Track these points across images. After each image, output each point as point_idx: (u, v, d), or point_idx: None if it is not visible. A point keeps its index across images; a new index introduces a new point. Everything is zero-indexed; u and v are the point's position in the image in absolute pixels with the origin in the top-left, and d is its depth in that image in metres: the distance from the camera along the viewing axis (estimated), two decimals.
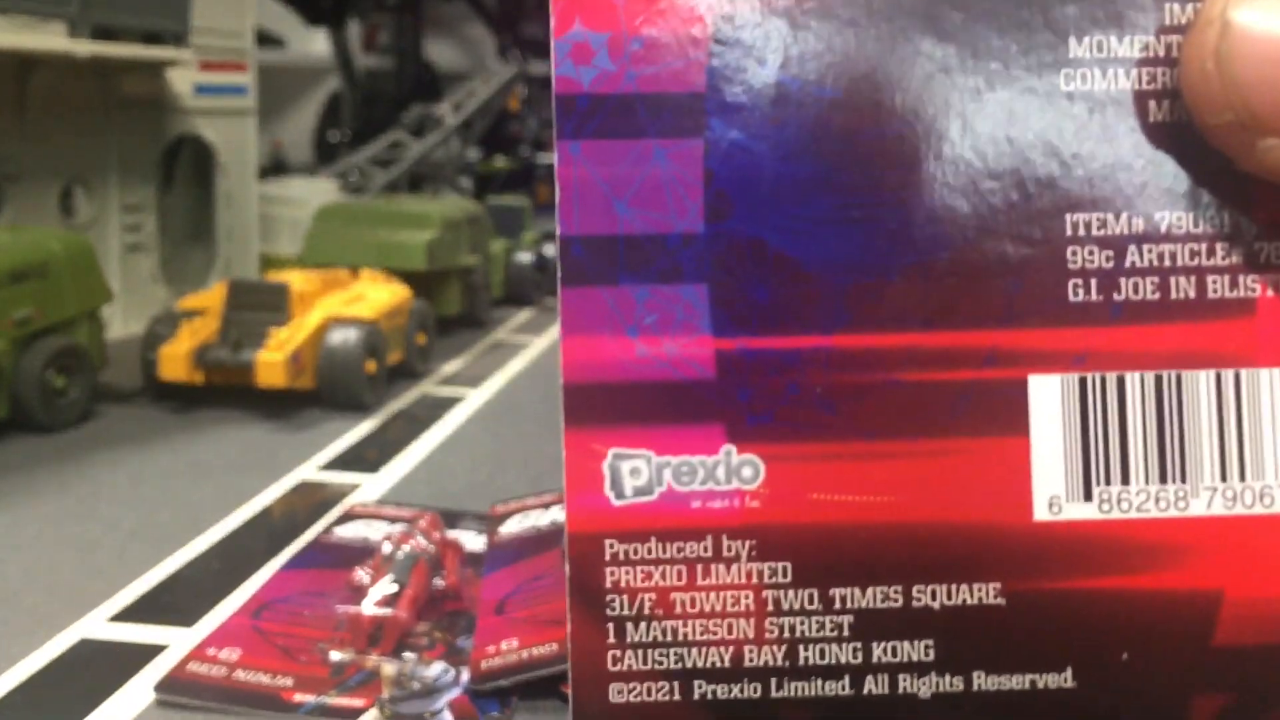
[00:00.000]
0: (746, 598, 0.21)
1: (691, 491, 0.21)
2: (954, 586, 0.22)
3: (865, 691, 0.22)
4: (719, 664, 0.22)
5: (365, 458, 0.85)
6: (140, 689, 0.49)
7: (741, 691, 0.22)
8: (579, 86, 0.21)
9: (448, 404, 1.01)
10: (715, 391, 0.21)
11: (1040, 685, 0.22)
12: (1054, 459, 0.22)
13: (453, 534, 0.65)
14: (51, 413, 0.89)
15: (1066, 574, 0.22)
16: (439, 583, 0.58)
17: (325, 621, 0.54)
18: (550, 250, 1.61)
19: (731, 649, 0.21)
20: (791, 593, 0.22)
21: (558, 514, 0.65)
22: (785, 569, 0.21)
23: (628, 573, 0.21)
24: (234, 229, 1.40)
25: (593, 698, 0.21)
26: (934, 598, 0.22)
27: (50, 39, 1.06)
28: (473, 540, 0.65)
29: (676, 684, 0.21)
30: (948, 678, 0.22)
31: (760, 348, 0.21)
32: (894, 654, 0.22)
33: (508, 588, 0.57)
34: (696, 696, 0.21)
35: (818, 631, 0.22)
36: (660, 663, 0.21)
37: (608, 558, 0.21)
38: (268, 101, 1.66)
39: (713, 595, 0.22)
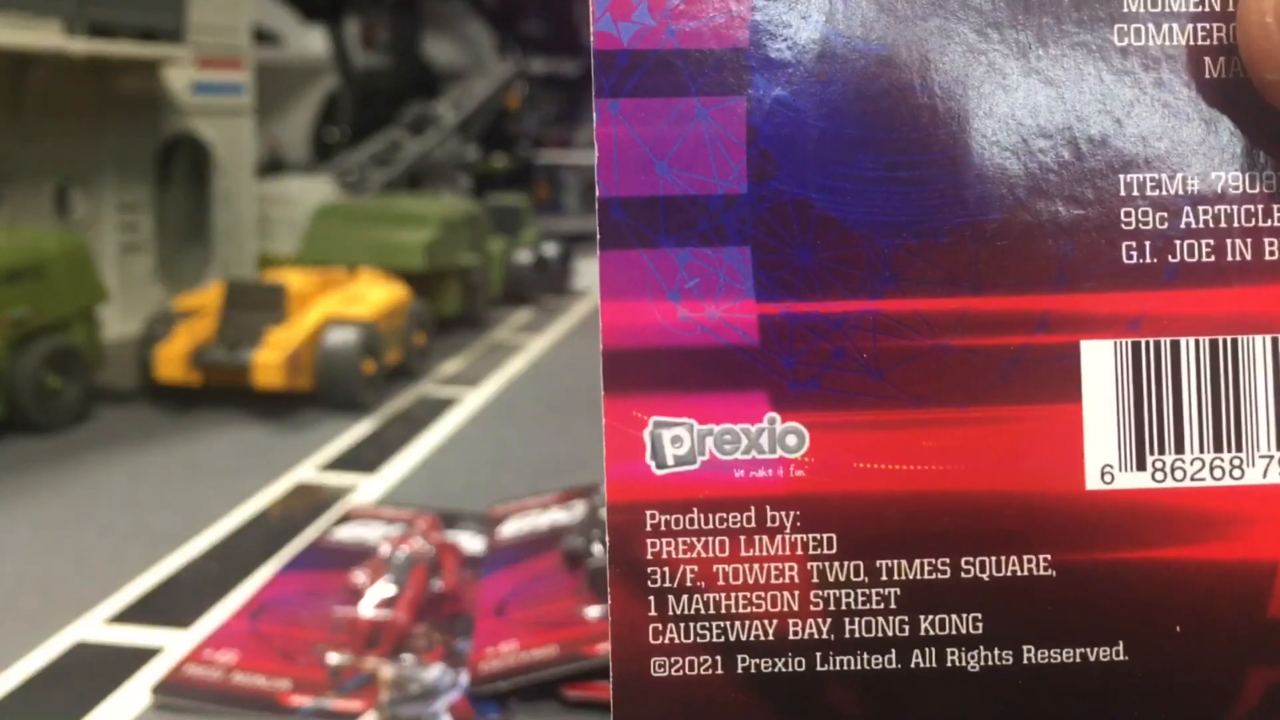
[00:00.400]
0: (791, 569, 0.21)
1: (734, 460, 0.21)
2: (1003, 558, 0.21)
3: (913, 665, 0.21)
4: (763, 637, 0.21)
5: (363, 459, 0.84)
6: (137, 692, 0.49)
7: (786, 665, 0.21)
8: (618, 42, 0.21)
9: (446, 404, 1.00)
10: (759, 357, 0.21)
11: (1091, 658, 0.21)
12: (1107, 427, 0.21)
13: (451, 535, 0.65)
14: (47, 413, 0.88)
15: (1119, 545, 0.21)
16: (437, 584, 0.58)
17: (323, 623, 0.54)
18: (550, 250, 1.61)
19: (776, 622, 0.21)
20: (837, 564, 0.21)
21: (557, 515, 0.65)
22: (830, 540, 0.21)
23: (669, 544, 0.21)
24: (231, 228, 1.40)
25: (634, 672, 0.21)
26: (983, 569, 0.21)
27: (46, 36, 1.06)
28: (471, 541, 0.65)
29: (719, 658, 0.21)
30: (997, 651, 0.21)
31: (805, 312, 0.21)
32: (942, 627, 0.21)
33: (507, 589, 0.56)
34: (740, 670, 0.21)
35: (864, 604, 0.21)
36: (703, 636, 0.21)
37: (649, 529, 0.21)
38: (265, 100, 1.65)
39: (756, 567, 0.21)
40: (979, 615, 0.21)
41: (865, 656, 0.21)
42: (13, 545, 0.66)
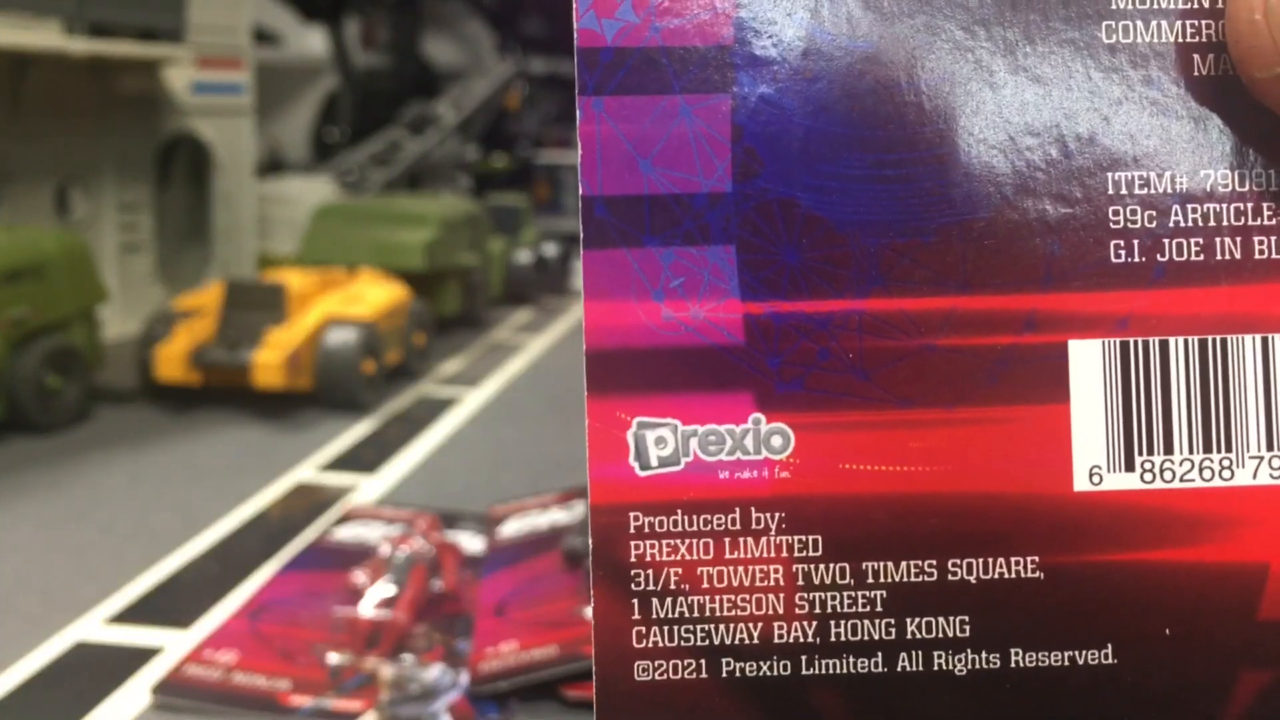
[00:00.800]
0: (776, 572, 0.21)
1: (719, 461, 0.21)
2: (990, 560, 0.21)
3: (899, 669, 0.21)
4: (747, 641, 0.21)
5: (363, 459, 0.84)
6: (137, 692, 0.49)
7: (771, 669, 0.21)
8: (602, 40, 0.21)
9: (446, 404, 1.00)
10: (744, 357, 0.21)
11: (1080, 662, 0.21)
12: (1095, 427, 0.21)
13: (451, 535, 0.65)
14: (47, 413, 0.88)
15: (1107, 547, 0.21)
16: (437, 584, 0.58)
17: (323, 623, 0.54)
18: (550, 250, 1.61)
19: (760, 625, 0.21)
20: (822, 566, 0.21)
21: (556, 515, 0.65)
22: (816, 542, 0.21)
23: (653, 546, 0.21)
24: (231, 228, 1.40)
25: (617, 676, 0.21)
26: (970, 571, 0.21)
27: (46, 36, 1.06)
28: (471, 541, 0.65)
29: (703, 661, 0.21)
30: (984, 654, 0.21)
31: (790, 312, 0.21)
32: (928, 630, 0.21)
33: (507, 589, 0.56)
34: (724, 674, 0.21)
35: (849, 607, 0.21)
36: (687, 639, 0.21)
37: (632, 530, 0.21)
38: (265, 100, 1.65)
39: (741, 569, 0.21)
40: (966, 618, 0.21)
41: (851, 660, 0.21)
42: (13, 545, 0.66)
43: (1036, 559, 0.21)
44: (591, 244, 0.21)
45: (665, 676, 0.21)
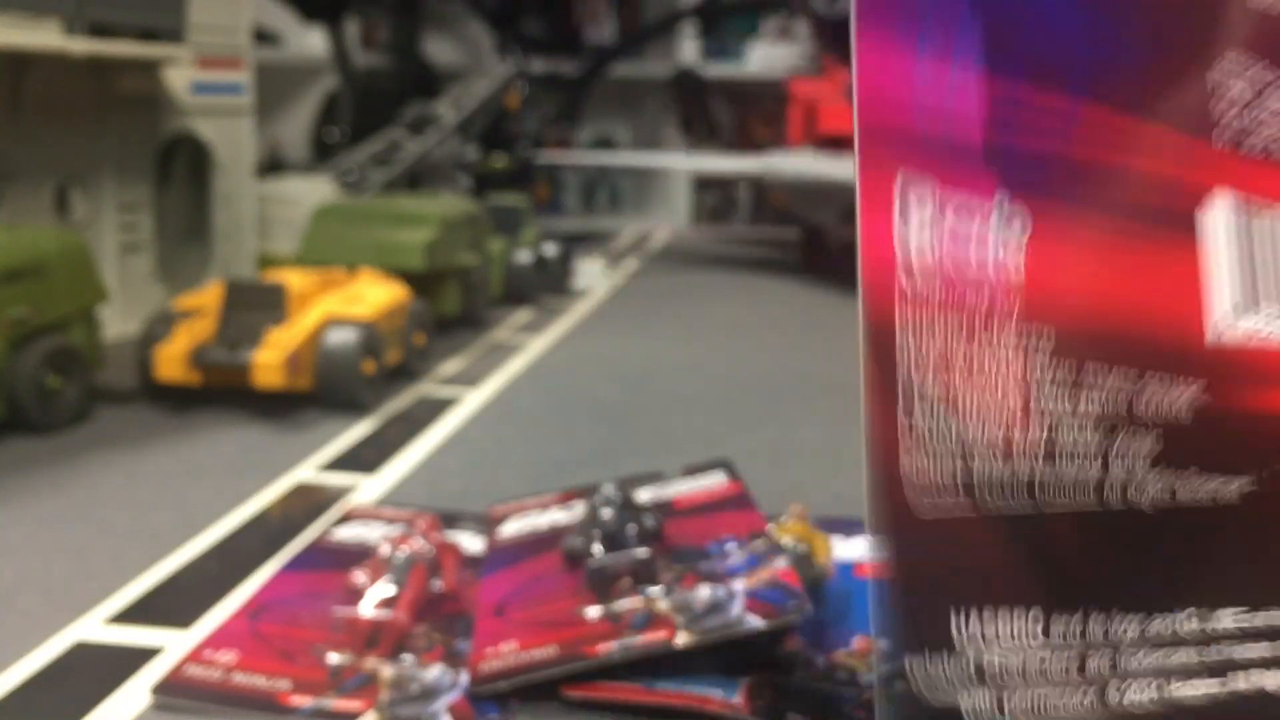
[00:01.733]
0: (1015, 362, 0.22)
1: (969, 234, 0.22)
2: (1176, 377, 0.23)
3: (1104, 499, 0.23)
4: (990, 443, 0.23)
5: (363, 459, 0.84)
6: (137, 692, 0.49)
7: (1011, 475, 0.23)
8: None
9: (446, 404, 1.00)
10: (989, 139, 0.22)
11: (1241, 489, 0.23)
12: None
13: (451, 535, 0.65)
14: (47, 413, 0.88)
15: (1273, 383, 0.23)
16: (437, 584, 0.58)
17: (323, 623, 0.54)
18: (550, 250, 1.61)
19: (1002, 432, 0.22)
20: (1052, 364, 0.23)
21: (556, 515, 0.65)
22: (1049, 333, 0.23)
23: (914, 314, 0.22)
24: (231, 228, 1.40)
25: (886, 463, 0.22)
26: (1162, 385, 0.23)
27: (46, 36, 1.06)
28: (471, 541, 0.65)
29: (959, 463, 0.23)
30: (1173, 472, 0.23)
31: (1029, 100, 0.22)
32: (1130, 442, 0.23)
33: (507, 589, 0.56)
34: (966, 471, 0.23)
35: (1071, 411, 0.23)
36: (944, 443, 0.23)
37: (897, 295, 0.22)
38: (265, 100, 1.65)
39: (987, 356, 0.22)
40: (1160, 433, 0.22)
41: (1071, 466, 0.22)
42: (13, 545, 0.66)
43: (1203, 384, 0.22)
44: (865, 24, 0.22)
45: (924, 472, 0.22)
